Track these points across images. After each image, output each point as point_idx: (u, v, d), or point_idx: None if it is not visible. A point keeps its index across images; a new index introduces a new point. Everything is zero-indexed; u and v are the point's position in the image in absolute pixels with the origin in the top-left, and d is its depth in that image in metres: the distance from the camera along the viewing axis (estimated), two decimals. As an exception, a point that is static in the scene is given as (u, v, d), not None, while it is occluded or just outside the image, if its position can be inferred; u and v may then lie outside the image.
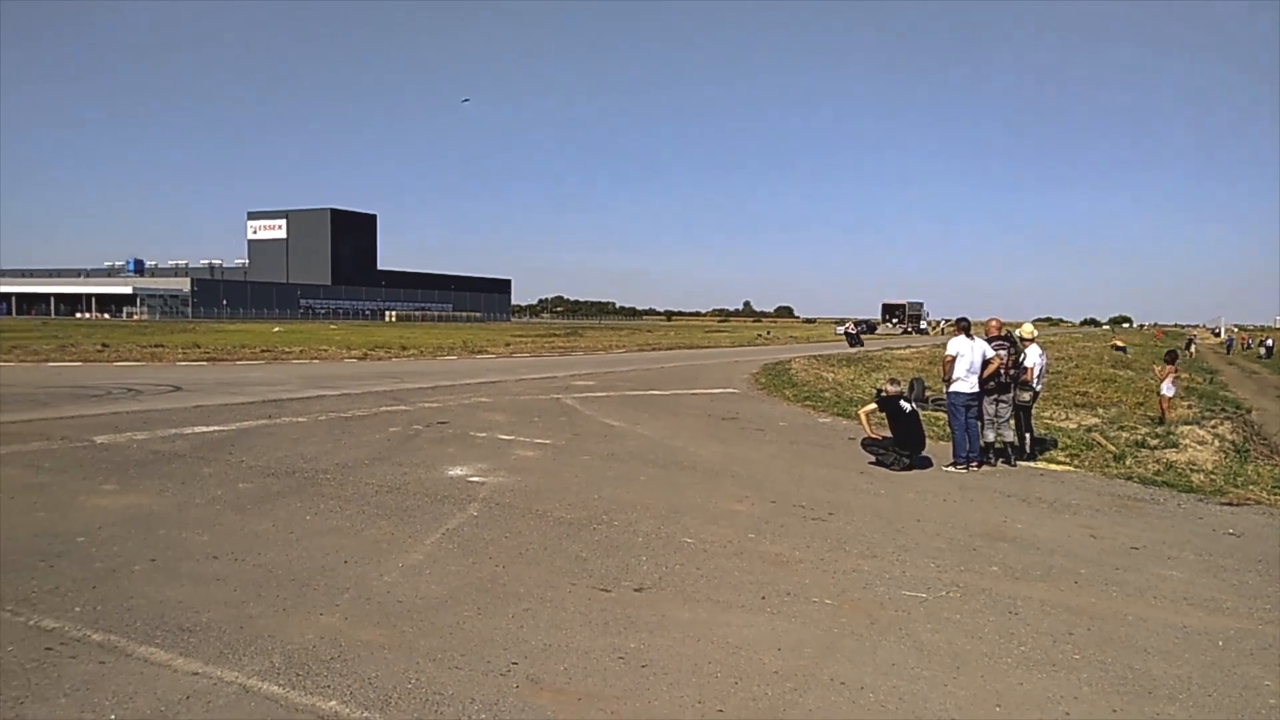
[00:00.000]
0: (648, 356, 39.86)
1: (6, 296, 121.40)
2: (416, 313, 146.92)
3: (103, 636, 4.84)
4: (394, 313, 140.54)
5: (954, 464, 11.21)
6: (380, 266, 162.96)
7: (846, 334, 62.29)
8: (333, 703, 4.14)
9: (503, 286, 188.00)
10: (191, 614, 5.23)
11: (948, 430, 12.14)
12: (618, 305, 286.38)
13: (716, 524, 7.97)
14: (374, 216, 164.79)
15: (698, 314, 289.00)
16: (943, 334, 72.07)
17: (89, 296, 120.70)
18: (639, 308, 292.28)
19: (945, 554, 7.22)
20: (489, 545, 7.01)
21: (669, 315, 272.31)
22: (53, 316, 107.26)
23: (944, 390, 12.18)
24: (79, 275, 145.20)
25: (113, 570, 6.05)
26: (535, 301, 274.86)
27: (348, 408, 16.08)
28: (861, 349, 48.84)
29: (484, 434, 13.13)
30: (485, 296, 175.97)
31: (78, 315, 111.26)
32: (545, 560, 6.65)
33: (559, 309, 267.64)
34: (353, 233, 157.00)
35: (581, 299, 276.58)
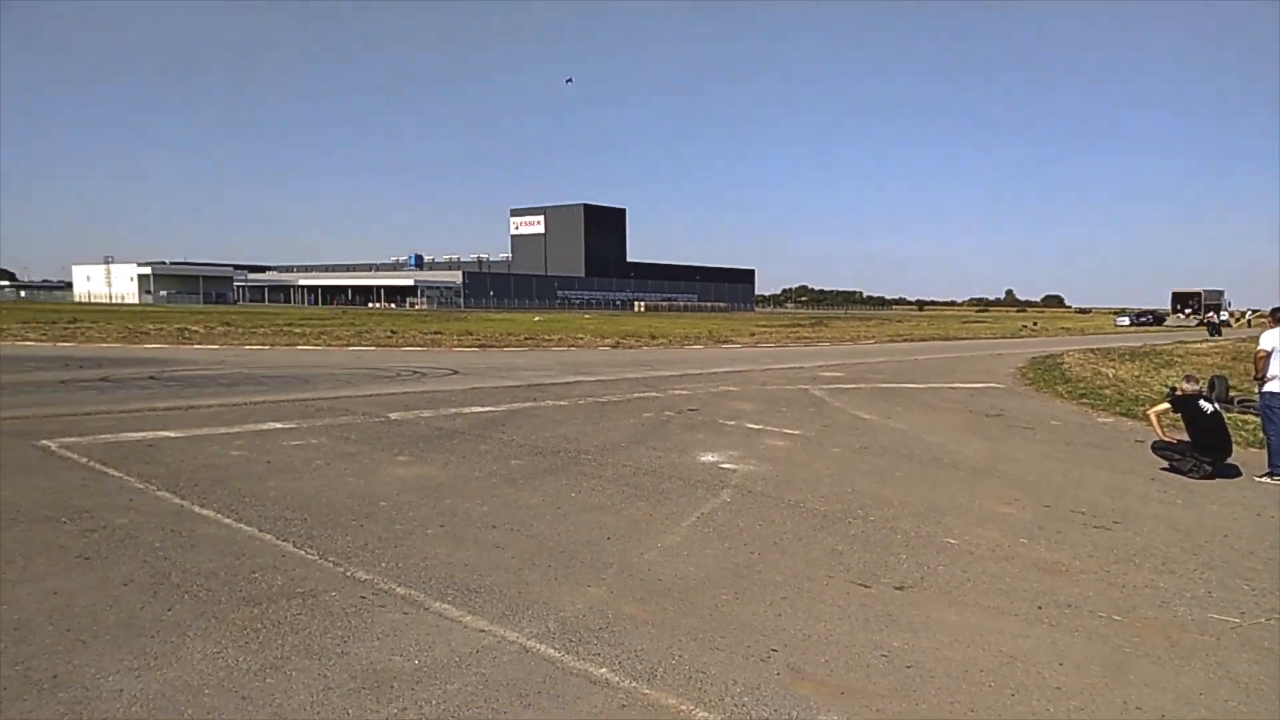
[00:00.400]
0: (898, 348, 38.40)
1: (313, 289, 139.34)
2: (664, 303, 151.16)
3: (405, 591, 5.43)
4: (643, 303, 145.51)
5: (1271, 474, 9.82)
6: (629, 259, 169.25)
7: (1207, 324, 57.31)
8: (603, 670, 4.37)
9: (746, 277, 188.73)
10: (476, 576, 5.74)
11: (1260, 436, 10.67)
12: (865, 294, 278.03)
13: (982, 526, 7.53)
14: (623, 211, 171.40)
15: (953, 303, 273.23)
16: (1249, 327, 63.31)
17: (379, 288, 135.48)
18: (888, 296, 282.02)
19: (1262, 575, 6.35)
20: (743, 532, 7.08)
21: (920, 304, 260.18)
22: (350, 306, 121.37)
23: (1255, 390, 10.71)
24: (370, 269, 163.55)
25: (410, 533, 6.77)
26: (779, 291, 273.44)
27: (603, 393, 16.87)
28: (1217, 338, 45.16)
29: (733, 422, 13.27)
30: (729, 287, 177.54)
31: (369, 305, 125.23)
32: (800, 550, 6.62)
33: (803, 298, 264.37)
34: (604, 227, 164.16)
35: (826, 288, 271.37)
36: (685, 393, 17.23)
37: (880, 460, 10.56)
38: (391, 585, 5.51)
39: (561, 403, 15.20)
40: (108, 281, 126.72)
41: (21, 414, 12.43)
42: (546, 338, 37.46)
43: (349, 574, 5.72)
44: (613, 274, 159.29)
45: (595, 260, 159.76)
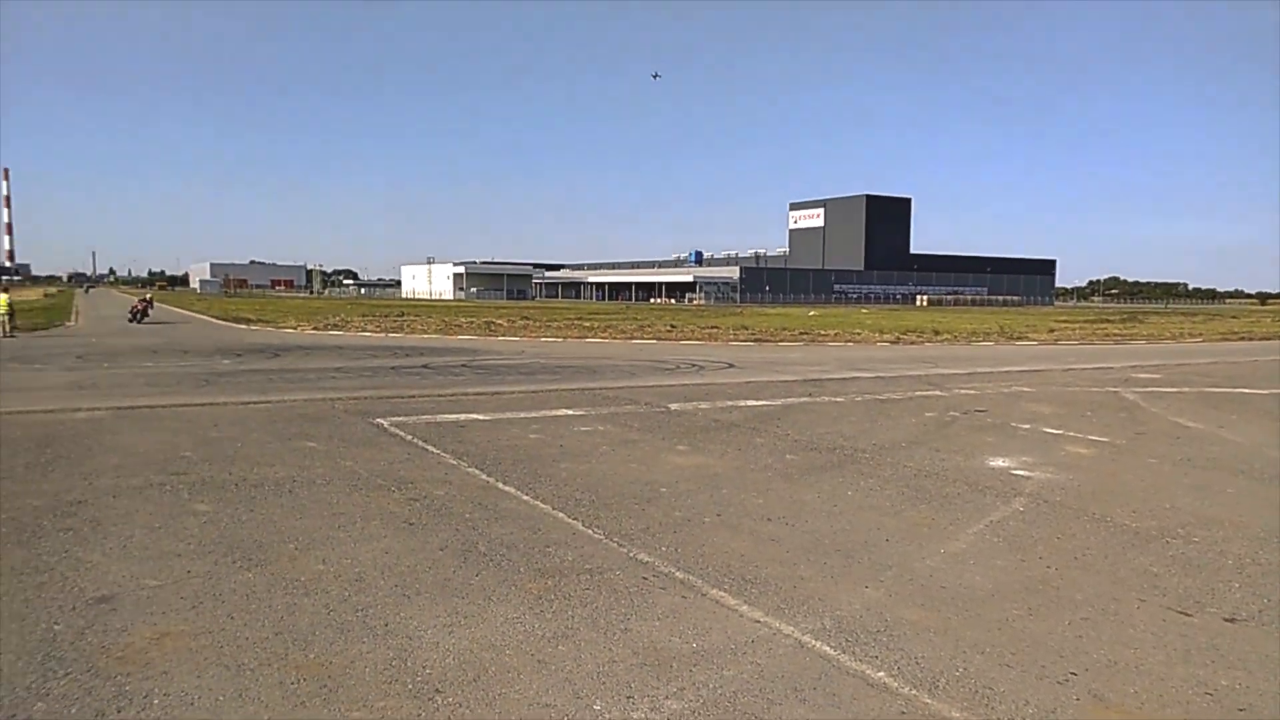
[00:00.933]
0: (1231, 347, 33.45)
1: (601, 285, 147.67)
2: (949, 297, 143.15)
3: (683, 575, 5.60)
4: (926, 297, 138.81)
5: None
6: (914, 250, 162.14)
7: None
8: (881, 674, 4.24)
9: (1045, 267, 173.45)
10: (752, 567, 5.79)
11: None
12: (1190, 286, 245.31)
13: (1343, 557, 6.37)
14: (908, 200, 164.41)
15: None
16: None
17: (661, 284, 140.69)
18: (1220, 289, 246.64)
19: None
20: (1038, 544, 6.54)
21: (1263, 298, 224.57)
22: (633, 301, 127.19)
23: None
24: (653, 266, 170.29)
25: (688, 520, 6.98)
26: (1084, 283, 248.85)
27: (882, 390, 16.32)
28: None
29: (1027, 425, 12.28)
30: (1025, 279, 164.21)
31: (651, 300, 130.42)
32: (1105, 569, 5.99)
33: (1113, 291, 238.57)
34: (887, 218, 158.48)
35: (1142, 280, 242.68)
36: (972, 392, 16.21)
37: (1208, 475, 9.27)
38: (671, 569, 5.71)
39: (838, 399, 14.91)
40: (429, 280, 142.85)
41: (362, 395, 14.37)
42: (822, 333, 36.90)
43: (631, 555, 6.00)
44: (894, 267, 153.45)
45: (876, 253, 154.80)
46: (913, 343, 32.70)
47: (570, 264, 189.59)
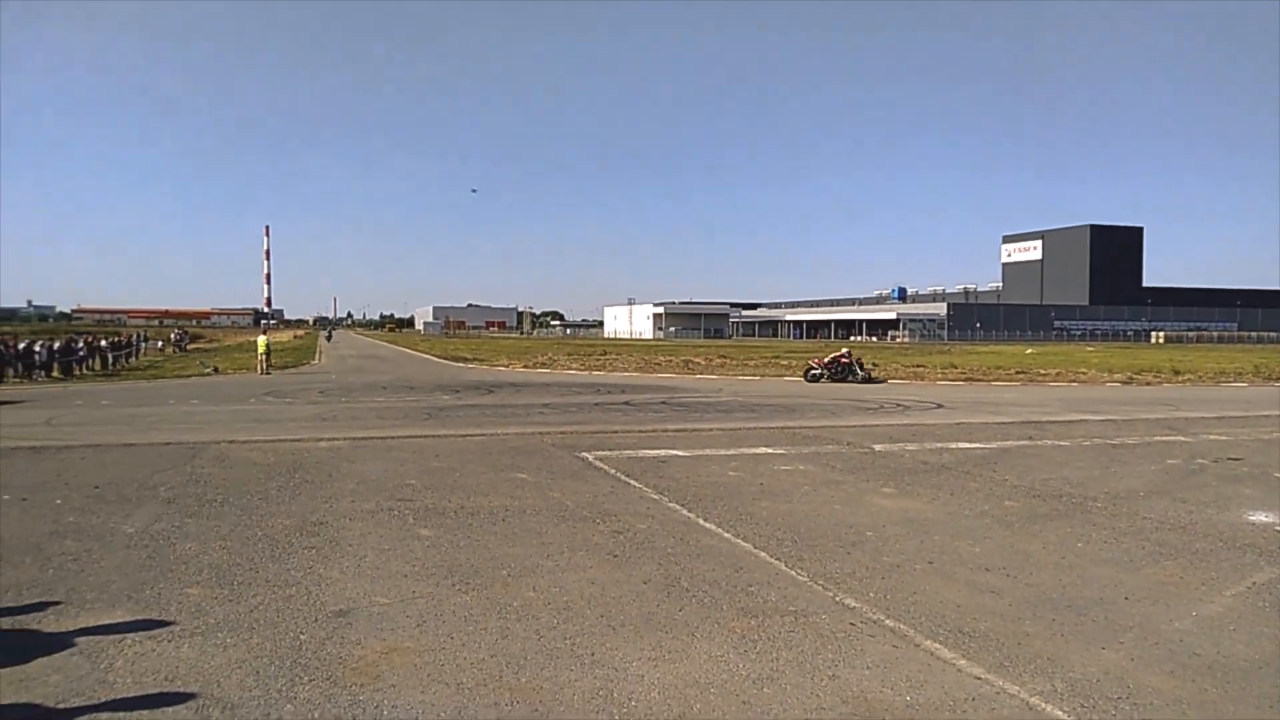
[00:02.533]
0: None
1: (799, 323, 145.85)
2: (1189, 333, 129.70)
3: (894, 623, 5.33)
4: (1161, 333, 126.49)
5: None
6: (1146, 283, 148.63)
7: None
8: (1124, 748, 3.81)
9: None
10: (969, 620, 5.41)
11: None
12: None
13: None
14: (1139, 230, 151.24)
15: None
16: None
17: (861, 322, 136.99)
18: None
19: None
20: (1315, 612, 5.68)
21: None
22: (832, 339, 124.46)
23: None
24: (854, 304, 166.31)
25: (897, 565, 6.65)
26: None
27: (1114, 434, 14.95)
28: None
29: (1294, 476, 10.81)
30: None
31: (851, 339, 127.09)
32: (1407, 646, 5.10)
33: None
34: (1114, 249, 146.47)
35: None
36: (1223, 438, 14.51)
37: None
38: (880, 616, 5.45)
39: (1062, 443, 13.81)
40: (630, 320, 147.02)
41: (568, 429, 14.91)
42: (1042, 372, 34.44)
43: (837, 599, 5.79)
44: (1123, 301, 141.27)
45: (1102, 286, 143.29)
46: (1148, 383, 29.82)
47: (767, 302, 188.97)
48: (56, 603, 5.49)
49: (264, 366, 33.94)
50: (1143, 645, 5.04)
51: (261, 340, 35.38)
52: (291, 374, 34.14)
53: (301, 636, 4.96)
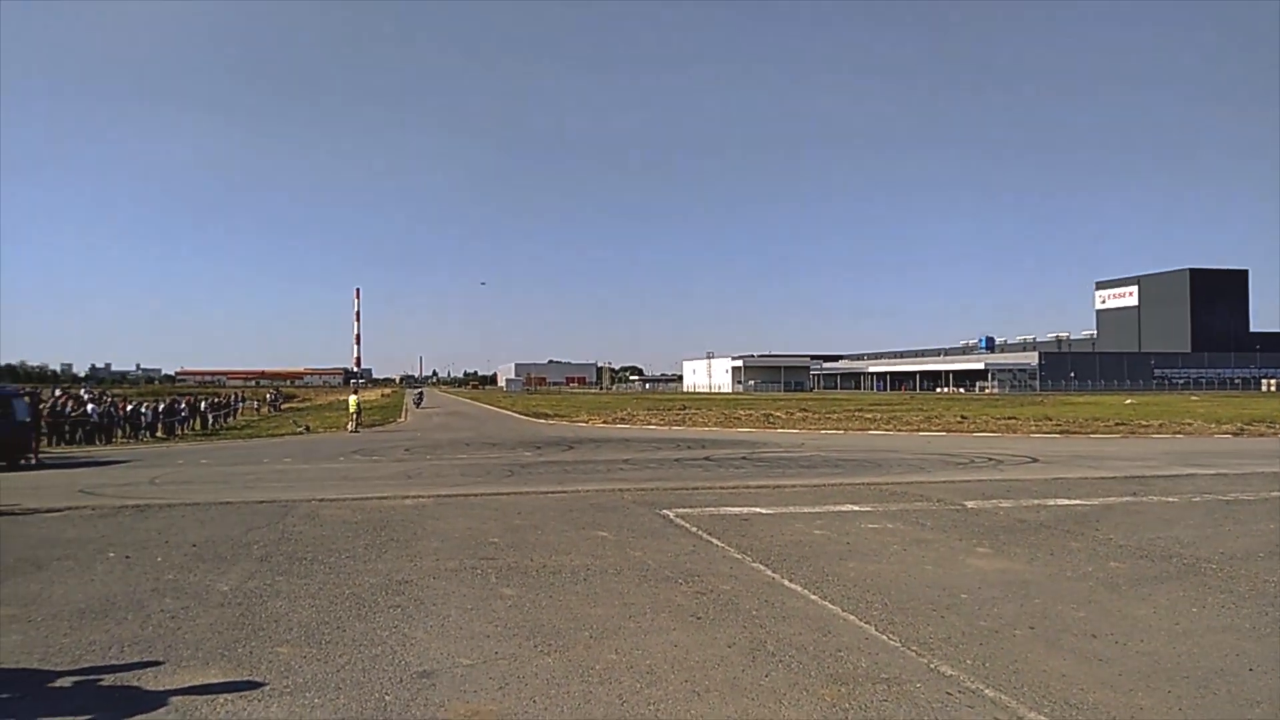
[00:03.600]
0: None
1: (882, 375, 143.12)
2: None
3: (994, 694, 5.04)
4: (1273, 381, 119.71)
5: None
6: (1254, 329, 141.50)
7: None
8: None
9: None
10: (1076, 690, 5.09)
11: None
12: None
13: None
14: (1245, 273, 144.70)
15: None
16: None
17: (947, 373, 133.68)
18: None
19: None
20: None
21: None
22: (917, 391, 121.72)
23: None
24: (939, 354, 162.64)
25: (995, 631, 6.33)
26: None
27: (1227, 489, 14.10)
28: None
29: None
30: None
31: (937, 390, 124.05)
32: None
33: None
34: (1217, 293, 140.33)
35: None
36: (1349, 493, 13.53)
37: None
38: (979, 685, 5.17)
39: (1169, 499, 13.07)
40: (708, 373, 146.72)
41: (648, 486, 14.84)
42: (1143, 423, 32.89)
43: (932, 666, 5.53)
44: (1230, 348, 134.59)
45: (1205, 333, 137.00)
46: (1261, 434, 28.16)
47: (849, 354, 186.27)
48: (158, 662, 5.65)
49: (354, 425, 34.92)
50: (1272, 717, 4.65)
51: (352, 400, 36.55)
52: (379, 432, 35.03)
53: (387, 697, 4.97)
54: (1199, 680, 5.29)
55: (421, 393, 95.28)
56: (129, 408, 32.40)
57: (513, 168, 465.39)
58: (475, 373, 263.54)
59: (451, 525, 10.95)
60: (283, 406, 61.52)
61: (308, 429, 35.10)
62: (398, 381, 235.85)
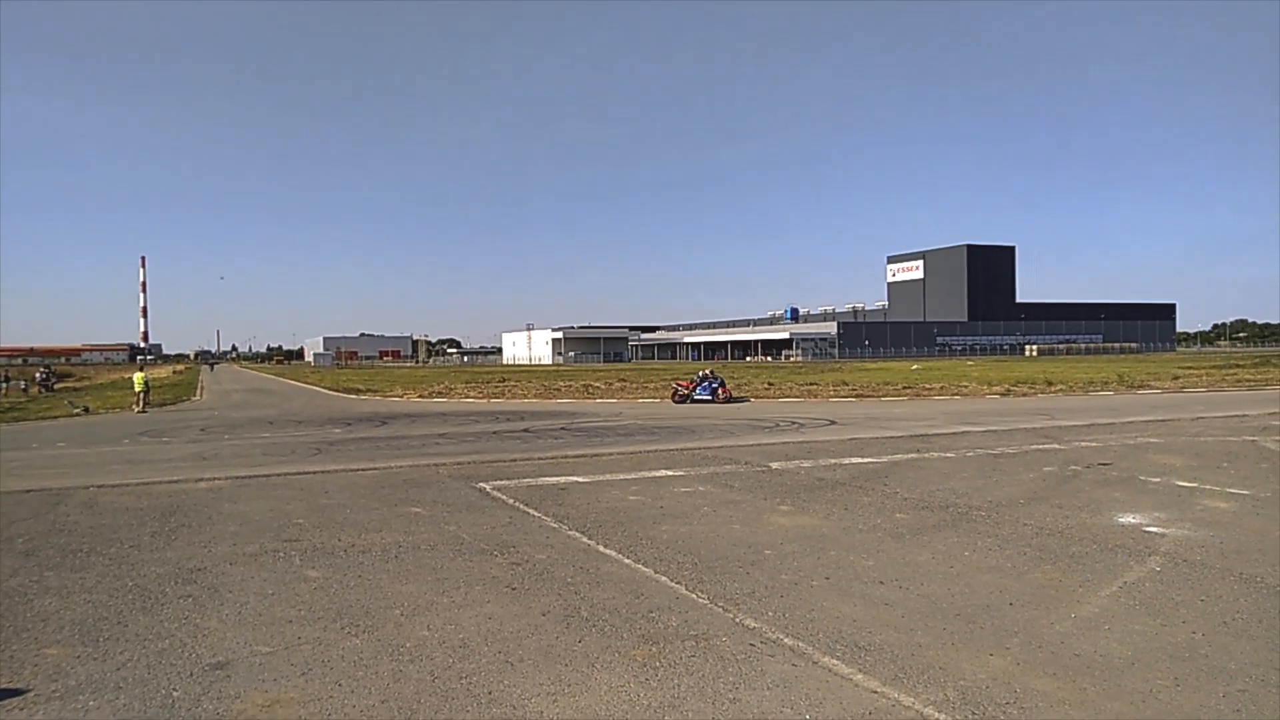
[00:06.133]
0: (1383, 390, 30.84)
1: (696, 345, 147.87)
2: (1060, 346, 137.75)
3: (792, 642, 5.36)
4: (1035, 347, 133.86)
5: None
6: (1020, 299, 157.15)
7: None
8: (1013, 752, 3.91)
9: (1164, 312, 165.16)
10: (865, 633, 5.50)
11: None
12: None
13: None
14: (1012, 249, 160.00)
15: None
16: None
17: (757, 342, 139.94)
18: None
19: None
20: (1180, 607, 6.02)
21: None
22: (729, 360, 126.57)
23: None
24: (749, 325, 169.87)
25: (795, 583, 6.72)
26: (1209, 328, 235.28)
27: (995, 444, 15.63)
28: None
29: (1157, 479, 11.51)
30: (1143, 325, 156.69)
31: (747, 359, 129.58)
32: (1261, 634, 5.45)
33: (1240, 334, 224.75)
34: (989, 268, 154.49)
35: (1273, 321, 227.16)
36: (1093, 444, 15.36)
37: (1371, 529, 8.43)
38: (779, 635, 5.48)
39: (948, 455, 14.33)
40: (529, 345, 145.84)
41: (465, 460, 14.60)
42: (927, 387, 35.83)
43: (737, 620, 5.80)
44: (1000, 317, 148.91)
45: (980, 303, 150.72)
46: (1024, 394, 31.40)
47: (666, 325, 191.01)
48: (-108, 673, 4.98)
49: (141, 405, 32.11)
50: (1027, 649, 5.22)
51: (138, 377, 33.48)
52: (170, 411, 32.41)
53: (174, 693, 4.63)
54: (969, 616, 5.85)
55: (214, 365, 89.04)
56: None
57: (320, 128, 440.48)
58: (280, 347, 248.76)
59: (251, 508, 10.33)
60: (56, 386, 55.53)
61: (86, 410, 31.90)
62: (192, 357, 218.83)
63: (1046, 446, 15.20)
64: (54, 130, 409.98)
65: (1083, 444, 15.43)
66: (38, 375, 55.32)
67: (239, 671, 4.96)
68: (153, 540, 8.57)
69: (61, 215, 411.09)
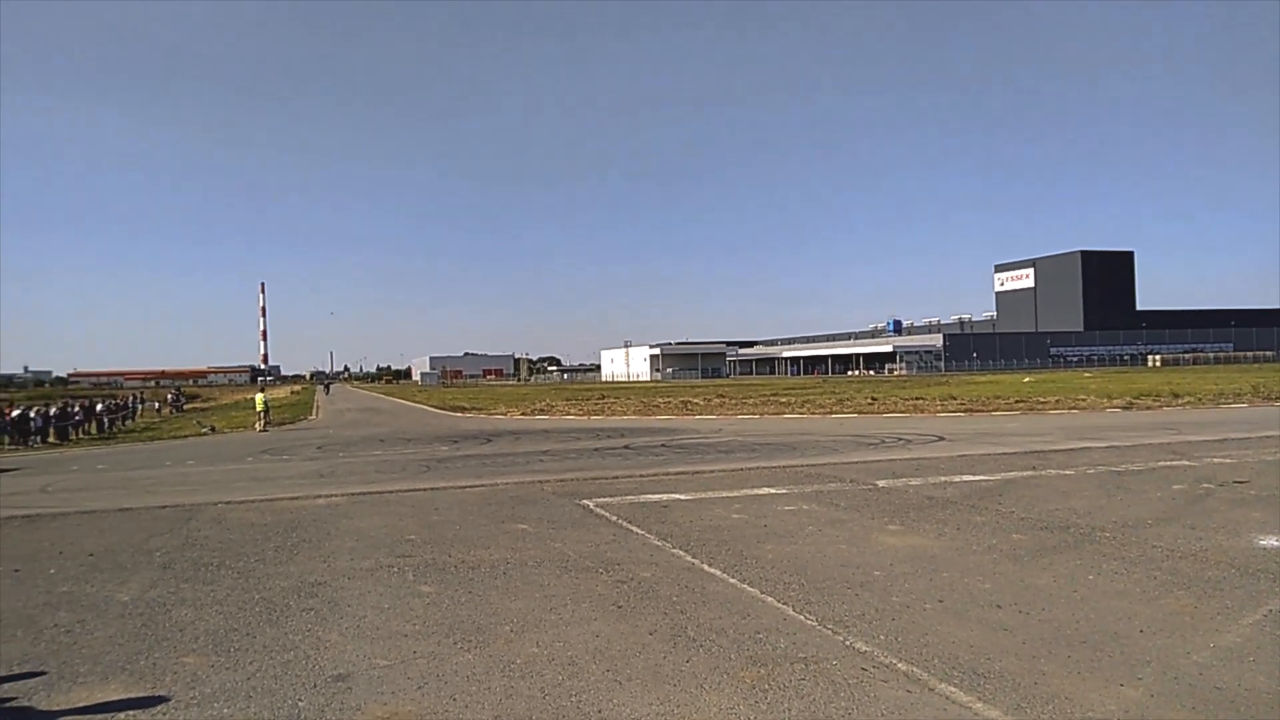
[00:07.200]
0: None
1: (795, 360, 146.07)
2: (1186, 355, 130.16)
3: (906, 667, 5.21)
4: (1158, 357, 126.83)
5: None
6: (1140, 307, 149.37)
7: None
8: (1151, 791, 3.69)
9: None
10: (984, 660, 5.29)
11: None
12: None
13: None
14: (1130, 254, 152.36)
15: None
16: None
17: (857, 356, 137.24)
18: None
19: None
20: (1335, 638, 5.57)
21: None
22: (830, 375, 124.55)
23: None
24: (849, 338, 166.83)
25: (907, 606, 6.53)
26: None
27: (1118, 461, 14.86)
28: None
29: (1302, 497, 10.71)
30: (1277, 332, 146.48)
31: (849, 373, 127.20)
32: None
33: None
34: (1106, 274, 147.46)
35: None
36: (1227, 461, 14.42)
37: None
38: (892, 659, 5.33)
39: (1066, 472, 13.71)
40: (627, 362, 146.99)
41: (568, 477, 14.79)
42: (1041, 400, 34.40)
43: (848, 643, 5.67)
44: (1118, 326, 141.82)
45: (1096, 312, 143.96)
46: (1148, 408, 29.78)
47: (764, 340, 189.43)
48: (42, 673, 5.36)
49: (262, 424, 33.81)
50: (1162, 680, 4.92)
51: (259, 397, 35.34)
52: (289, 430, 33.99)
53: (300, 703, 4.83)
54: (1095, 644, 5.56)
55: (329, 385, 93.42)
56: (15, 413, 30.59)
57: (428, 158, 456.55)
58: (389, 367, 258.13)
59: (366, 524, 10.71)
60: (185, 407, 59.07)
61: (213, 429, 33.81)
62: (308, 378, 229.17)
63: (1175, 463, 14.36)
64: (180, 162, 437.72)
65: (1215, 460, 14.51)
66: (169, 397, 58.95)
67: (359, 683, 5.13)
68: (276, 555, 8.98)
69: (185, 241, 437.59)
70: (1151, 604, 6.44)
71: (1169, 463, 14.45)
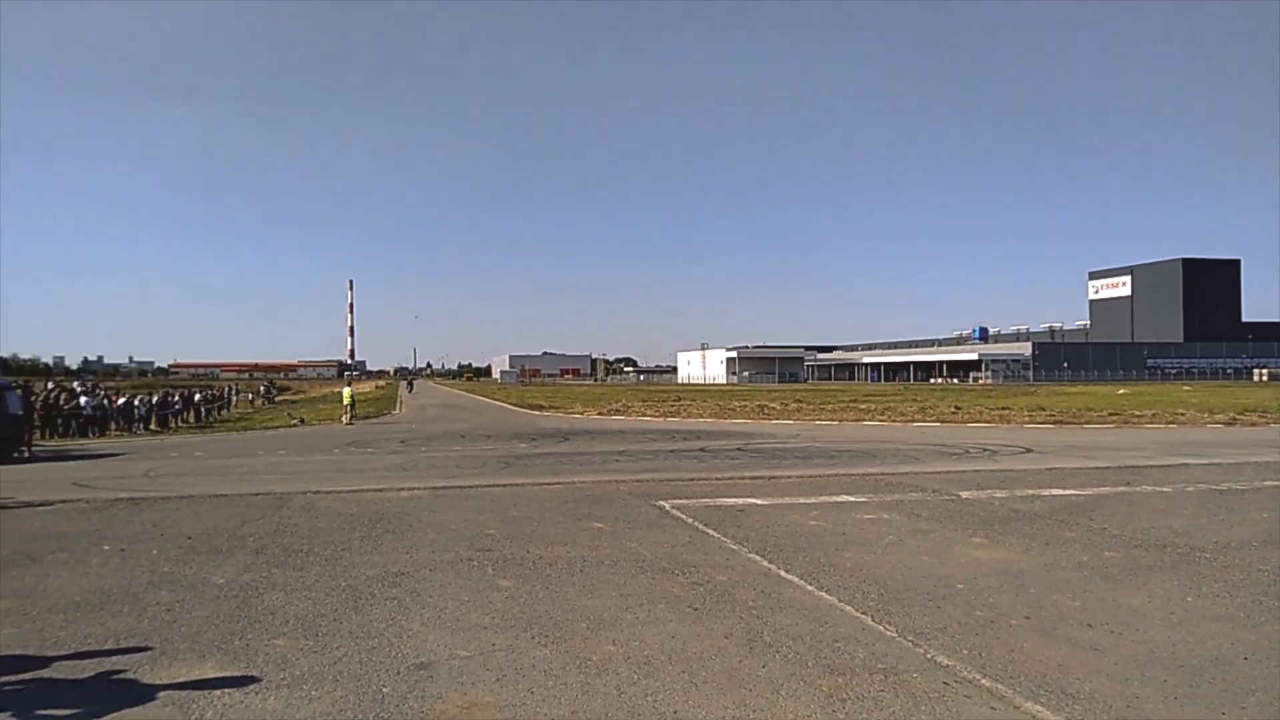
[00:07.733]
0: None
1: (876, 366, 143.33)
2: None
3: (990, 683, 5.06)
4: (1265, 371, 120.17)
5: None
6: (1246, 318, 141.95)
7: None
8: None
9: None
10: (1073, 680, 5.11)
11: None
12: None
13: None
14: (1236, 263, 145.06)
15: None
16: None
17: (941, 363, 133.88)
18: None
19: None
20: None
21: None
22: (911, 382, 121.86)
23: None
24: (933, 345, 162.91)
25: (991, 621, 6.35)
26: None
27: (1220, 479, 14.16)
28: None
29: None
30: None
31: (931, 381, 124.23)
32: None
33: None
34: (1209, 283, 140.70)
35: None
36: (1341, 482, 13.60)
37: None
38: (975, 675, 5.19)
39: (1163, 489, 13.12)
40: (703, 365, 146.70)
41: (644, 477, 14.84)
42: (1136, 414, 33.01)
43: (929, 656, 5.54)
44: (1222, 337, 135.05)
45: (1197, 323, 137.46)
46: (1253, 424, 28.27)
47: (843, 345, 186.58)
48: (148, 648, 5.64)
49: (348, 417, 34.85)
50: (1266, 710, 4.67)
51: (346, 391, 36.44)
52: (374, 424, 34.96)
53: (384, 689, 4.96)
54: (1194, 669, 5.31)
55: (412, 382, 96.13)
56: (121, 401, 32.28)
57: (508, 160, 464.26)
58: (470, 364, 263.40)
59: (447, 517, 10.94)
60: (277, 399, 61.44)
61: (302, 421, 35.03)
62: (392, 373, 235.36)
63: (1283, 483, 13.61)
64: (282, 162, 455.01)
65: (1328, 481, 13.70)
66: (262, 389, 61.39)
67: (440, 673, 5.25)
68: (362, 544, 9.25)
69: (280, 239, 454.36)
70: (1257, 630, 6.12)
71: (1277, 482, 13.69)
